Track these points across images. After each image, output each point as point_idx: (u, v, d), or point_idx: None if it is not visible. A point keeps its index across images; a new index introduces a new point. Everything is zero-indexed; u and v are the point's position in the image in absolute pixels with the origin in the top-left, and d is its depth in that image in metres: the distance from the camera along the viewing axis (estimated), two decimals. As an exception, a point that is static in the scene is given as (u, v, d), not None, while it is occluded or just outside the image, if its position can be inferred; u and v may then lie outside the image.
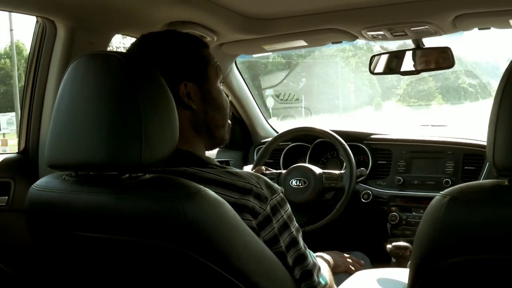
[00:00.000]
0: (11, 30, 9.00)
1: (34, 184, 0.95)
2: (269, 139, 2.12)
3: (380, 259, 1.75)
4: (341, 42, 1.87)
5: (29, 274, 1.43)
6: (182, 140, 0.95)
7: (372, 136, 2.14)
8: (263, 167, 1.92)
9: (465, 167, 1.91)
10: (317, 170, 1.90)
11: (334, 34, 1.75)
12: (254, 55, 2.28)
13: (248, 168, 1.93)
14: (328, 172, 1.90)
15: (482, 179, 1.82)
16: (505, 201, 0.70)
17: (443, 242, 0.74)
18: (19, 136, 1.58)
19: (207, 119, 1.05)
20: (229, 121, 1.13)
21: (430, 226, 0.76)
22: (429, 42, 1.75)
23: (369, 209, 2.02)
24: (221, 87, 1.10)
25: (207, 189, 0.82)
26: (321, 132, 2.00)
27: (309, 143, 2.22)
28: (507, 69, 0.73)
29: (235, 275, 0.83)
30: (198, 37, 1.09)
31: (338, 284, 1.23)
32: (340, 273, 1.43)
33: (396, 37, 1.69)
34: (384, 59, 1.85)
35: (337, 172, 1.92)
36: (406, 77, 3.19)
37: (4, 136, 7.61)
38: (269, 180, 0.96)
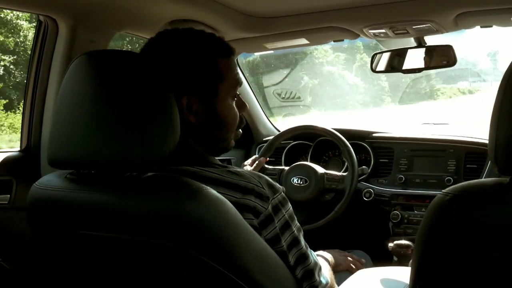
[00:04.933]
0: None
1: (36, 183, 0.95)
2: (271, 137, 2.12)
3: (382, 258, 1.75)
4: (342, 40, 1.87)
5: (30, 272, 1.43)
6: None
7: (374, 135, 2.14)
8: (263, 159, 1.90)
9: (467, 166, 1.91)
10: (319, 170, 1.90)
11: (336, 32, 1.74)
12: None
13: (248, 162, 1.91)
14: (329, 173, 1.90)
15: (484, 178, 1.82)
16: (506, 199, 0.70)
17: (444, 240, 0.73)
18: (21, 134, 1.58)
19: (206, 133, 1.01)
20: (239, 130, 1.09)
21: (432, 224, 0.76)
22: (431, 40, 1.75)
23: (370, 208, 2.02)
24: (233, 103, 1.04)
25: (208, 187, 0.82)
26: (324, 130, 1.99)
27: (311, 142, 2.22)
28: (508, 68, 0.73)
29: (237, 274, 0.83)
30: (221, 42, 1.01)
31: (339, 283, 1.23)
32: (341, 271, 1.43)
33: (398, 35, 1.68)
34: (386, 57, 1.84)
35: (338, 173, 1.92)
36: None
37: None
38: (270, 180, 0.96)
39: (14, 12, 7.81)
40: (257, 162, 1.86)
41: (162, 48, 0.99)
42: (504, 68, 0.75)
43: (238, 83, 1.04)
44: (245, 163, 1.89)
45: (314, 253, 1.05)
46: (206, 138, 1.02)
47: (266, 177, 0.96)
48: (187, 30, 1.01)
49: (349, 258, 1.51)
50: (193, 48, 0.98)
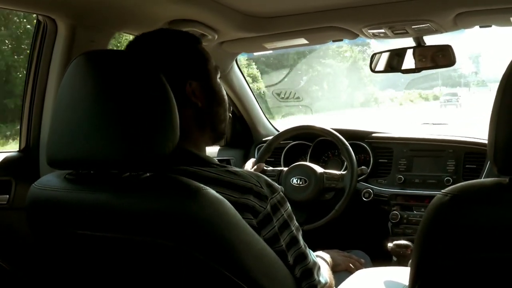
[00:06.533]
0: None
1: (35, 183, 0.95)
2: (270, 137, 2.12)
3: (381, 258, 1.75)
4: (342, 40, 1.87)
5: (30, 272, 1.43)
6: (184, 139, 0.95)
7: (373, 135, 2.14)
8: (263, 164, 1.92)
9: (466, 166, 1.91)
10: (319, 169, 1.90)
11: (335, 32, 1.74)
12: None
13: (249, 164, 1.92)
14: (329, 172, 1.90)
15: (483, 178, 1.82)
16: (506, 200, 0.70)
17: (444, 240, 0.73)
18: (20, 135, 1.58)
19: (212, 115, 1.06)
20: (229, 114, 1.15)
21: (431, 224, 0.76)
22: (430, 40, 1.75)
23: (370, 208, 2.02)
24: (220, 81, 1.11)
25: (207, 187, 0.82)
26: (323, 130, 1.99)
27: (310, 142, 2.22)
28: (508, 68, 0.73)
29: (236, 273, 0.83)
30: (191, 33, 1.09)
31: (338, 283, 1.23)
32: (341, 271, 1.43)
33: (397, 35, 1.68)
34: (385, 57, 1.84)
35: (338, 172, 1.92)
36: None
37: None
38: (269, 179, 0.96)
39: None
40: (256, 166, 1.87)
41: (152, 44, 1.03)
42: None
43: (218, 66, 1.11)
44: (246, 165, 1.90)
45: (313, 253, 1.05)
46: (211, 121, 1.06)
47: (265, 176, 0.97)
48: (161, 29, 1.10)
49: (348, 258, 1.51)
50: (178, 38, 1.05)
